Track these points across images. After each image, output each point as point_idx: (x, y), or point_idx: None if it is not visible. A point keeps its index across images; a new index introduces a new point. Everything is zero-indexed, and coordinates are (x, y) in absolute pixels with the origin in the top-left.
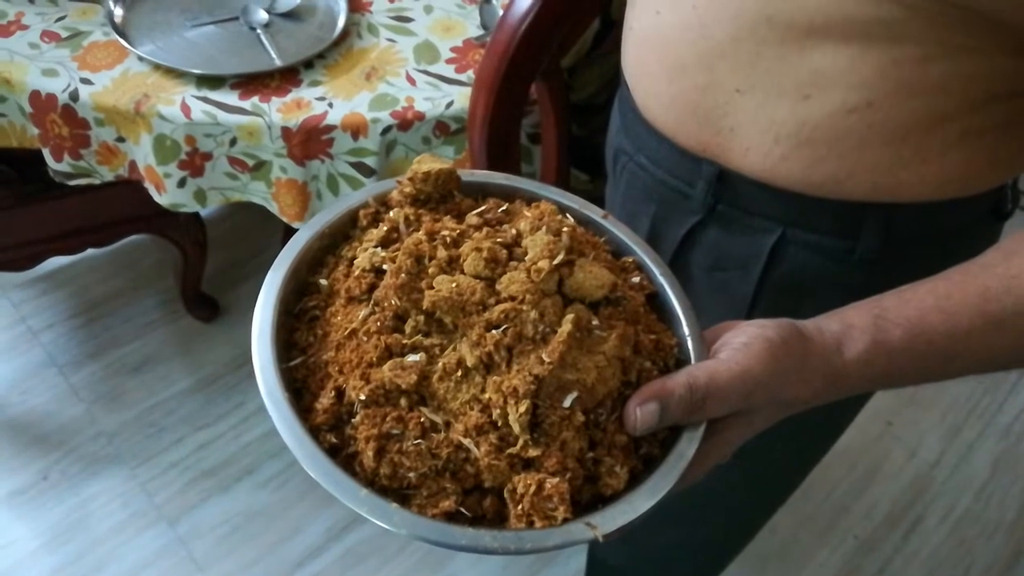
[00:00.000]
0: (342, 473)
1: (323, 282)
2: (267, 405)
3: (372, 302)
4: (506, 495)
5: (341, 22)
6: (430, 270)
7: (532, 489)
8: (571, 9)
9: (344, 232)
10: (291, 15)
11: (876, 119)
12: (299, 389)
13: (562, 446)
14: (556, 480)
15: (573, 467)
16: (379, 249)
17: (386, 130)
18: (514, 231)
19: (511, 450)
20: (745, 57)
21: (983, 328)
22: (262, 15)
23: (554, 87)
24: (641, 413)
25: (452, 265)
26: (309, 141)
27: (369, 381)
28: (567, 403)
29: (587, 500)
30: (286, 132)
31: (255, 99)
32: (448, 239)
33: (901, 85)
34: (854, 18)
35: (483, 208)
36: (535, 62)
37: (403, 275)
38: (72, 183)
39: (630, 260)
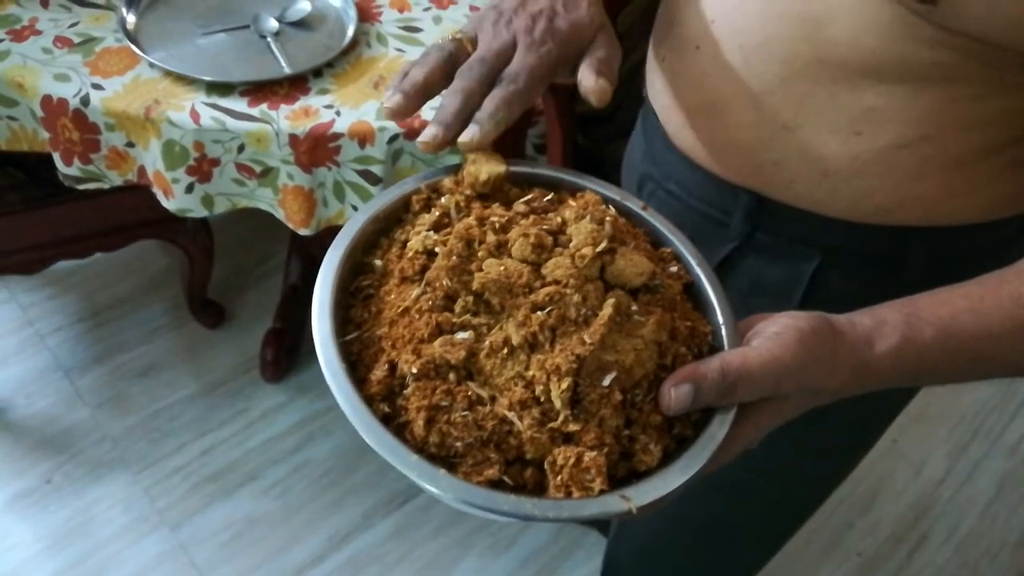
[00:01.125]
0: (395, 439)
1: (377, 263)
2: (326, 376)
3: (424, 282)
4: (546, 467)
5: (350, 31)
6: (479, 253)
7: (571, 461)
8: None
9: (397, 216)
10: (301, 24)
11: (929, 153)
12: (354, 362)
13: (600, 422)
14: (594, 454)
15: (610, 443)
16: (431, 233)
17: (393, 139)
18: (559, 219)
19: (552, 424)
20: (794, 97)
21: (1013, 332)
22: (272, 24)
23: (560, 98)
24: (675, 394)
25: (500, 250)
26: (316, 148)
27: (420, 356)
28: (606, 382)
29: (622, 475)
30: (294, 139)
31: (264, 106)
32: (497, 225)
33: (956, 120)
34: (909, 61)
35: (530, 197)
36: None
37: (454, 257)
38: (81, 187)
39: (668, 251)
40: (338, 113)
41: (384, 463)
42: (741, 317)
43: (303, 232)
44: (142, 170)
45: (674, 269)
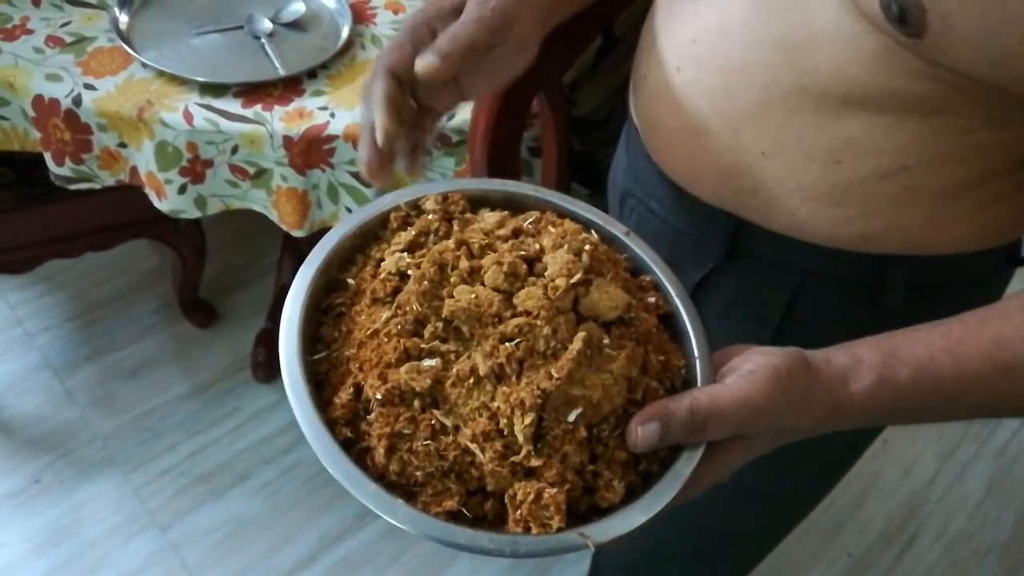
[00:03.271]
0: (354, 467)
1: (351, 281)
2: (289, 395)
3: (395, 305)
4: (507, 500)
5: (345, 33)
6: (452, 279)
7: (531, 497)
8: (574, 24)
9: (375, 232)
10: (295, 25)
11: (911, 183)
12: (321, 382)
13: (563, 459)
14: (554, 491)
15: (572, 479)
16: (405, 254)
17: None
18: (538, 246)
19: (514, 458)
20: (774, 123)
21: (991, 374)
22: (266, 24)
23: (556, 101)
24: (643, 432)
25: (473, 276)
26: (310, 150)
27: (386, 381)
28: (571, 418)
29: (584, 510)
30: (288, 141)
31: (258, 108)
32: (474, 249)
33: (940, 152)
34: (892, 92)
35: (506, 218)
36: (537, 76)
37: (426, 282)
38: (72, 187)
39: (647, 279)
40: (332, 115)
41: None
42: (719, 337)
43: (297, 234)
44: (134, 171)
45: (652, 300)
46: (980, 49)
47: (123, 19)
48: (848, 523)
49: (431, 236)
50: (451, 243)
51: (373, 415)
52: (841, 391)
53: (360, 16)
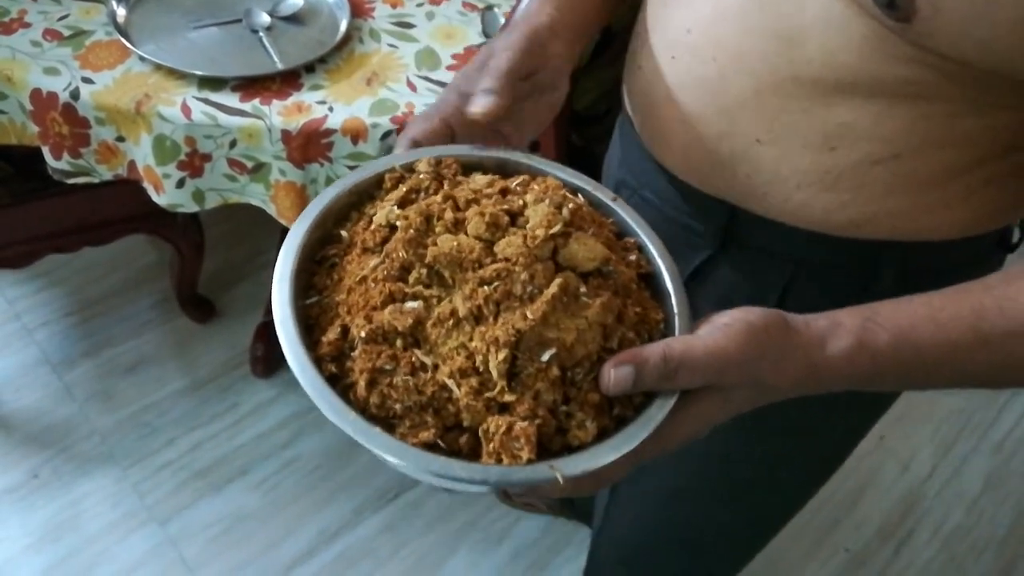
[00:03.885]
0: (337, 398)
1: (344, 233)
2: (279, 334)
3: (383, 253)
4: (481, 434)
5: (343, 27)
6: (437, 229)
7: (502, 429)
8: None
9: (370, 192)
10: (293, 19)
11: (902, 169)
12: (311, 325)
13: (535, 396)
14: (525, 424)
15: (544, 415)
16: (396, 208)
17: (386, 135)
18: (521, 202)
19: (488, 394)
20: (768, 111)
21: (971, 343)
22: (264, 18)
23: None
24: (615, 374)
25: (458, 227)
26: (309, 144)
27: (371, 321)
28: (544, 358)
29: (557, 449)
30: (286, 135)
31: (256, 102)
32: (459, 203)
33: (929, 138)
34: (883, 78)
35: (498, 183)
36: None
37: (412, 231)
38: (70, 181)
39: (631, 241)
40: (331, 109)
41: (372, 458)
42: None
43: None
44: (132, 165)
45: (632, 258)
46: (968, 33)
47: (121, 13)
48: (845, 519)
49: (422, 193)
50: (438, 197)
51: (357, 352)
52: (818, 353)
53: (358, 10)
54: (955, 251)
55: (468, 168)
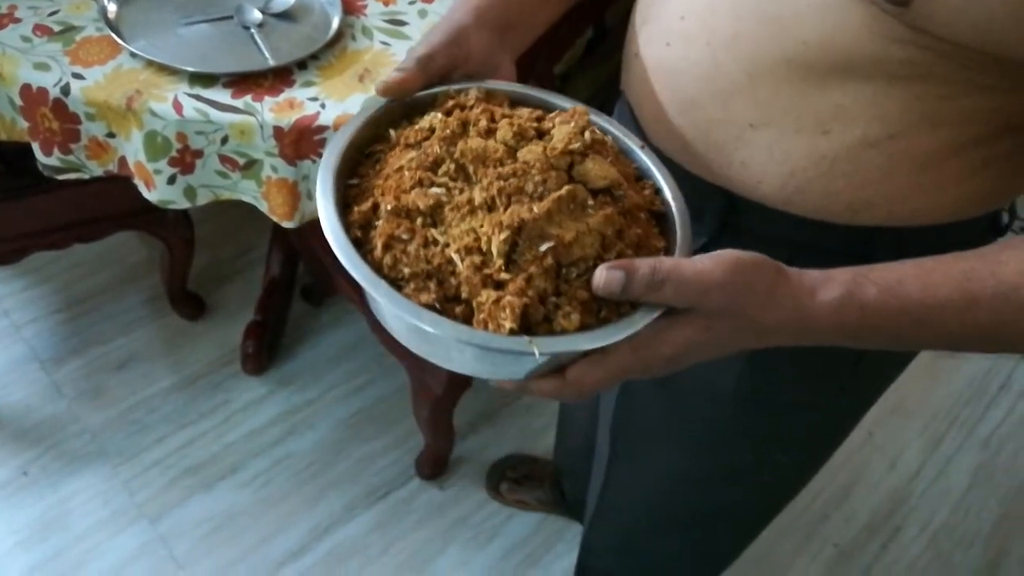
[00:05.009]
0: (355, 252)
1: (392, 132)
2: (317, 201)
3: (420, 149)
4: (474, 304)
5: (335, 24)
6: (471, 133)
7: (492, 299)
8: (565, 16)
9: (423, 109)
10: (285, 15)
11: (897, 151)
12: (348, 204)
13: (528, 279)
14: (513, 298)
15: (532, 296)
16: (440, 115)
17: None
18: (551, 124)
19: (487, 270)
20: (762, 94)
21: (960, 302)
22: (256, 15)
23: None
24: (607, 275)
25: (490, 135)
26: (301, 141)
27: (399, 200)
28: (542, 248)
29: (542, 335)
30: (278, 132)
31: (248, 98)
32: (496, 115)
33: (924, 118)
34: (878, 59)
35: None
36: (528, 68)
37: (448, 131)
38: (61, 177)
39: (649, 183)
40: (323, 106)
41: (363, 456)
42: None
43: (287, 225)
44: (123, 161)
45: (646, 192)
46: (964, 16)
47: (111, 8)
48: (834, 514)
49: (466, 109)
50: (478, 109)
51: (380, 221)
52: (808, 300)
53: (350, 7)
54: (950, 234)
55: (514, 103)
